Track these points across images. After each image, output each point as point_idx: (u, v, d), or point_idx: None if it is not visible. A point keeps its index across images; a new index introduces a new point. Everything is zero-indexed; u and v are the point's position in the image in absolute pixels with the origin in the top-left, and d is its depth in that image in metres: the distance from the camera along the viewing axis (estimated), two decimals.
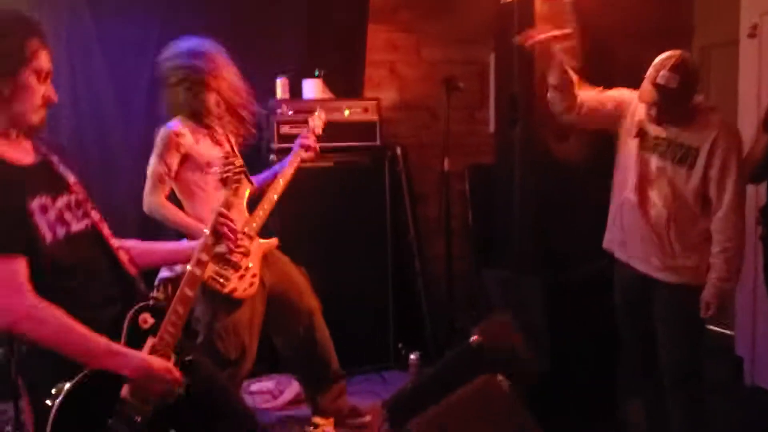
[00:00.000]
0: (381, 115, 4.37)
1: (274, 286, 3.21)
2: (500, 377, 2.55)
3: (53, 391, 1.81)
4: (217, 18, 4.13)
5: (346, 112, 4.22)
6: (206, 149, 3.10)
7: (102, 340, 1.84)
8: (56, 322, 1.79)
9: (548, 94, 2.95)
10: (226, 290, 2.99)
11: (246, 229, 3.08)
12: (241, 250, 3.01)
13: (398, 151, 4.48)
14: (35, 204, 1.85)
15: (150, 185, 3.03)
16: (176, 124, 3.07)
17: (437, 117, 4.73)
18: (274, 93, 4.28)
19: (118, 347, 1.87)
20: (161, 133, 3.05)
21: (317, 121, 3.48)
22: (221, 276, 2.99)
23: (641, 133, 2.79)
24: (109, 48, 4.01)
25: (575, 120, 2.94)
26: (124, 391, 1.87)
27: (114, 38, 4.01)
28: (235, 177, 2.31)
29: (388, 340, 4.36)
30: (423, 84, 4.87)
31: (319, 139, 3.44)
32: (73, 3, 3.93)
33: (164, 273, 3.09)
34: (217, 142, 3.16)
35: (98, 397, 1.84)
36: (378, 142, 4.31)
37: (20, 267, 1.79)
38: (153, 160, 3.04)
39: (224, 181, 2.24)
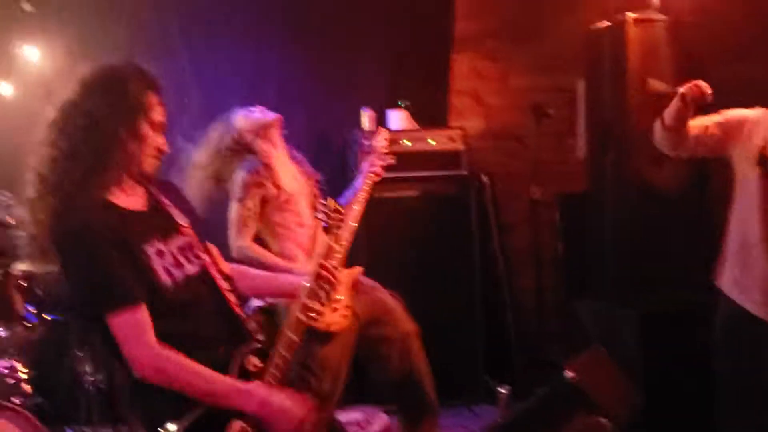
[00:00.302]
0: (466, 143, 4.33)
1: (366, 313, 3.15)
2: (602, 419, 2.41)
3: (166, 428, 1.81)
4: (303, 51, 4.22)
5: (431, 142, 4.20)
6: (287, 182, 3.13)
7: (227, 380, 1.84)
8: (182, 369, 1.81)
9: (657, 134, 2.79)
10: (322, 326, 2.89)
11: (330, 257, 3.07)
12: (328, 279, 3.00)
13: (485, 179, 4.42)
14: (152, 250, 1.88)
15: (235, 231, 3.08)
16: (253, 165, 3.12)
17: (524, 145, 4.65)
18: (359, 124, 4.32)
19: (242, 384, 1.85)
20: (238, 177, 3.11)
21: (381, 141, 3.41)
22: (313, 311, 2.96)
23: (764, 161, 2.58)
24: (203, 82, 4.15)
25: (683, 153, 2.79)
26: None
27: (207, 72, 4.15)
28: (337, 224, 2.29)
29: (476, 373, 4.26)
30: (510, 112, 4.80)
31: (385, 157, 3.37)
32: (167, 39, 4.09)
33: (256, 302, 3.13)
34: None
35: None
36: (464, 171, 4.27)
37: (144, 316, 1.81)
38: (234, 206, 3.09)
39: (327, 230, 2.23)
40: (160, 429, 1.81)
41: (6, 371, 3.17)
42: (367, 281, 3.28)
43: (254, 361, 1.94)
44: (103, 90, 1.89)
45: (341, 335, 3.03)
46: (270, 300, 2.99)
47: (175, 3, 4.22)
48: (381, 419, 3.82)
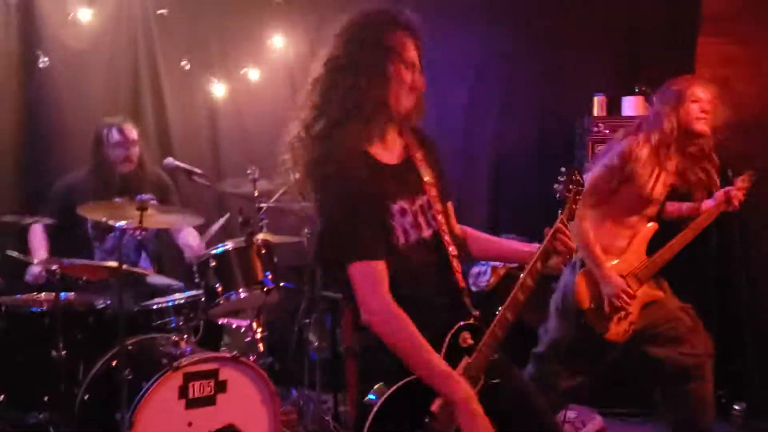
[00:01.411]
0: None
1: (647, 329, 2.98)
2: None
3: (375, 389, 1.88)
4: (534, 36, 4.11)
5: None
6: (655, 183, 2.92)
7: (442, 363, 1.85)
8: (406, 331, 1.84)
9: None
10: (599, 328, 2.90)
11: (638, 273, 2.95)
12: (629, 292, 2.88)
13: (730, 175, 4.01)
14: (396, 208, 1.94)
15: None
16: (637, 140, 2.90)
17: None
18: (590, 111, 4.13)
19: (455, 373, 1.85)
20: (621, 144, 2.93)
21: (744, 182, 3.20)
22: (604, 318, 2.89)
23: None
24: (432, 68, 4.20)
25: None
26: (435, 406, 1.85)
27: (436, 59, 4.19)
28: (574, 195, 2.07)
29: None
30: (764, 101, 4.31)
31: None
32: None
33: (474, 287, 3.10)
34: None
35: (413, 404, 1.85)
36: None
37: (382, 269, 1.87)
38: (598, 168, 2.93)
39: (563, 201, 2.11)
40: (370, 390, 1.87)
41: (244, 329, 3.47)
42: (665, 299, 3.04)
43: (467, 337, 1.93)
44: (355, 36, 1.96)
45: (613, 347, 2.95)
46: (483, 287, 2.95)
47: None
48: (595, 421, 3.67)
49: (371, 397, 1.88)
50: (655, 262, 2.96)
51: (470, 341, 1.93)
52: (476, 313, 2.00)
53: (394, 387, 1.85)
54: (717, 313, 3.91)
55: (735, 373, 3.93)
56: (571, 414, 3.77)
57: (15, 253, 3.07)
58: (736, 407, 3.68)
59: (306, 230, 3.67)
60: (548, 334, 3.07)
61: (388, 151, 2.02)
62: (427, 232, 1.99)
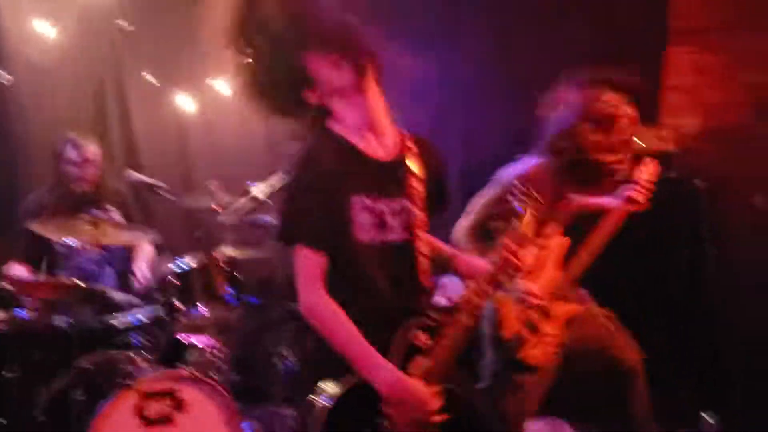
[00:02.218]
0: (679, 144, 3.97)
1: (577, 347, 2.92)
2: None
3: (321, 388, 1.86)
4: (499, 46, 4.11)
5: (638, 142, 3.86)
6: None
7: (369, 349, 1.85)
8: (332, 319, 1.87)
9: None
10: (519, 354, 2.80)
11: (560, 292, 2.87)
12: (541, 309, 2.81)
13: (699, 184, 4.01)
14: (360, 201, 1.92)
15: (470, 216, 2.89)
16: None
17: (748, 147, 4.15)
18: None
19: (382, 361, 1.85)
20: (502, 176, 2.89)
21: (644, 174, 3.11)
22: (517, 337, 2.80)
23: None
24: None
25: None
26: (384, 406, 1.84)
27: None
28: (531, 208, 2.03)
29: (682, 400, 3.87)
30: (733, 110, 4.32)
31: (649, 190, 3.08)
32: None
33: (440, 301, 3.07)
34: None
35: (364, 405, 1.84)
36: (673, 174, 3.89)
37: (321, 263, 1.90)
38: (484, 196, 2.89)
39: (519, 215, 2.06)
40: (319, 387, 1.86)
41: (207, 348, 3.42)
42: (588, 312, 3.00)
43: (422, 337, 1.92)
44: None
45: (541, 373, 2.85)
46: (455, 298, 2.91)
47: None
48: None
49: (322, 398, 1.85)
50: (568, 275, 2.88)
51: (426, 341, 1.91)
52: (436, 317, 1.97)
53: (340, 388, 1.84)
54: (690, 323, 3.89)
55: (708, 381, 3.92)
56: (541, 426, 3.75)
57: None
58: (709, 420, 3.64)
59: (272, 243, 3.63)
60: (487, 368, 2.92)
61: (382, 146, 1.99)
62: (396, 236, 1.96)
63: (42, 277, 3.36)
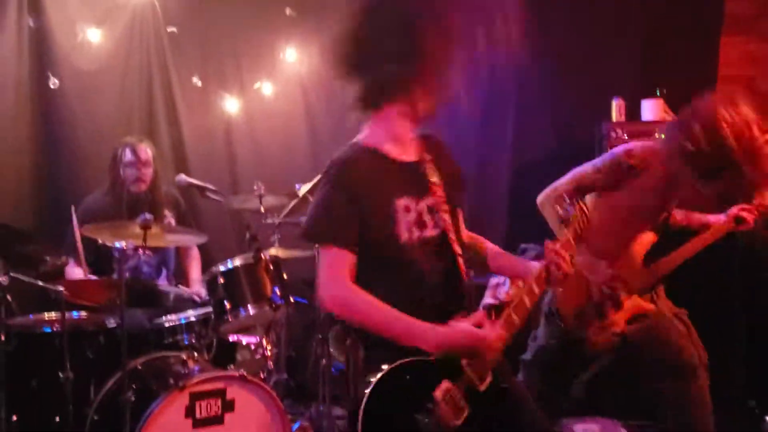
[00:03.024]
0: None
1: (636, 338, 2.89)
2: None
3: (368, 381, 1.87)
4: (550, 37, 4.03)
5: None
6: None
7: (407, 320, 1.88)
8: (367, 303, 1.90)
9: None
10: (581, 333, 2.85)
11: (630, 282, 2.85)
12: (615, 298, 2.81)
13: None
14: (402, 203, 1.99)
15: (566, 180, 2.79)
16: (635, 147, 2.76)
17: None
18: (609, 115, 4.03)
19: (421, 325, 1.88)
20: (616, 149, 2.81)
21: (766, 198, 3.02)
22: (578, 313, 2.84)
23: None
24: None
25: None
26: (438, 391, 1.85)
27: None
28: (579, 219, 2.08)
29: (738, 396, 3.77)
30: None
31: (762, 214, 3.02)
32: None
33: (488, 300, 3.04)
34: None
35: (413, 386, 1.85)
36: None
37: (347, 260, 1.95)
38: (588, 166, 2.81)
39: (567, 223, 2.05)
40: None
41: (254, 346, 3.44)
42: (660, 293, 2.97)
43: None
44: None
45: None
46: (502, 297, 2.89)
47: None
48: None
49: (370, 378, 1.87)
50: (651, 273, 2.86)
51: None
52: (480, 311, 1.98)
53: (393, 366, 1.85)
54: (744, 314, 3.82)
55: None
56: (594, 426, 3.68)
57: (23, 276, 3.08)
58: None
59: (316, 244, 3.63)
60: (537, 341, 3.02)
61: (403, 149, 2.06)
62: (432, 232, 2.02)
63: (96, 278, 3.41)
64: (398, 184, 2.01)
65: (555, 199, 2.72)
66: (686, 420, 2.89)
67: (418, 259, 1.98)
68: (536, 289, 2.01)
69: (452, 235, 2.04)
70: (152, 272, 3.73)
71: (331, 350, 3.89)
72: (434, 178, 2.06)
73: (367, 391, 1.83)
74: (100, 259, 3.53)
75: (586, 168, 2.79)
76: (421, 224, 2.00)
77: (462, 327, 1.88)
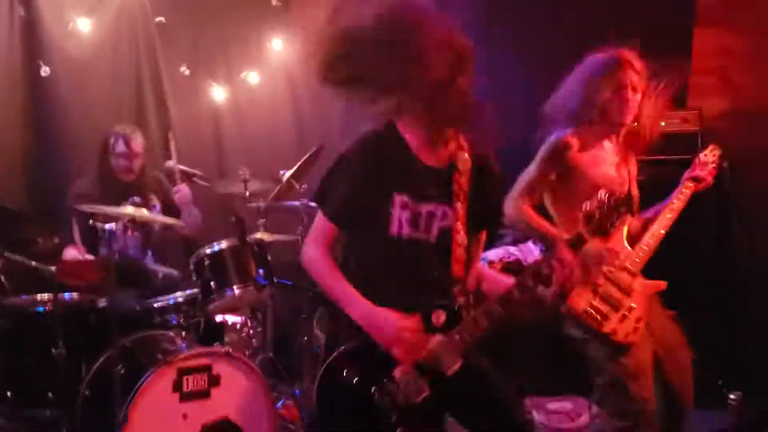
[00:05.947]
0: (704, 125, 3.96)
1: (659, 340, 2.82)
2: None
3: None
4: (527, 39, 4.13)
5: (661, 123, 3.89)
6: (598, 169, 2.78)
7: (350, 290, 2.06)
8: (328, 271, 2.11)
9: None
10: (604, 329, 2.66)
11: (628, 264, 2.77)
12: (621, 286, 2.72)
13: (725, 165, 4.00)
14: (400, 198, 2.07)
15: (519, 189, 2.75)
16: (567, 133, 2.78)
17: None
18: None
19: (359, 299, 2.04)
20: (550, 140, 2.81)
21: (710, 156, 3.16)
22: (598, 312, 2.68)
23: None
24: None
25: None
26: (398, 371, 1.97)
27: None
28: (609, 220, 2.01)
29: (706, 376, 3.89)
30: (762, 92, 4.29)
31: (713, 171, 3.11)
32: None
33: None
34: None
35: (371, 364, 2.00)
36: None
37: (332, 232, 2.15)
38: (532, 167, 2.80)
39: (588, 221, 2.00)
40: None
41: (239, 326, 3.56)
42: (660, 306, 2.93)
43: (440, 316, 2.03)
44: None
45: (634, 352, 2.69)
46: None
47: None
48: (591, 411, 3.67)
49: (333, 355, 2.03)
50: (642, 250, 2.82)
51: (443, 319, 2.02)
52: (461, 302, 2.08)
53: (356, 344, 2.01)
54: (719, 306, 3.90)
55: (735, 364, 3.92)
56: (567, 404, 3.80)
57: (16, 257, 3.18)
58: (732, 396, 3.66)
59: (300, 228, 3.76)
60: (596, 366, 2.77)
61: (431, 149, 2.12)
62: (424, 236, 2.09)
63: (89, 258, 3.51)
64: (404, 179, 2.08)
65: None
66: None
67: (401, 255, 2.08)
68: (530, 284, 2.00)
69: (455, 245, 2.09)
70: (138, 253, 3.82)
71: (315, 331, 4.01)
72: (456, 191, 2.10)
73: (323, 365, 1.99)
74: (89, 239, 3.64)
75: (532, 168, 2.80)
76: (414, 224, 2.08)
77: (395, 318, 1.99)
